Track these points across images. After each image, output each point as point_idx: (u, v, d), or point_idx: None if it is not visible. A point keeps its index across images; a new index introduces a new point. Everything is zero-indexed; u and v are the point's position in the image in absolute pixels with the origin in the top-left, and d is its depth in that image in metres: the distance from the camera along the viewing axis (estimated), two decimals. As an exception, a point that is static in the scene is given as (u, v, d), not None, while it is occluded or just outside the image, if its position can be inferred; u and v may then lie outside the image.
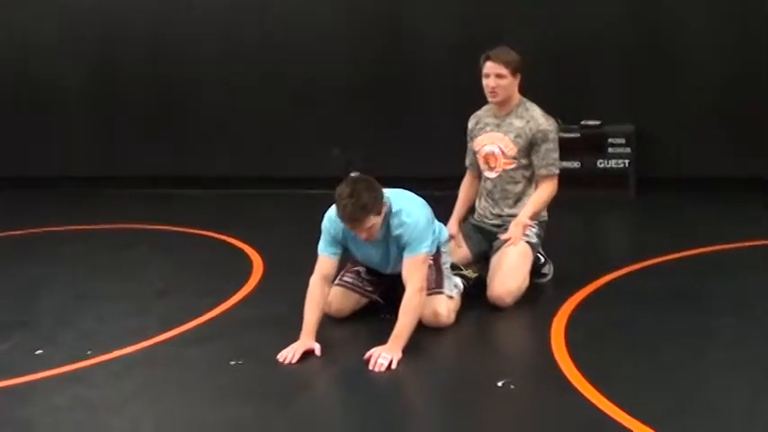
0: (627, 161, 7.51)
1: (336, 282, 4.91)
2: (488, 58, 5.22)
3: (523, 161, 5.29)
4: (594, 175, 7.56)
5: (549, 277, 5.49)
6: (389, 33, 8.17)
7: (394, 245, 4.65)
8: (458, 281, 4.98)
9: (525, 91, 7.71)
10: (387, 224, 4.58)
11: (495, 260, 5.18)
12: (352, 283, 4.97)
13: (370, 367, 4.31)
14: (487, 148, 5.37)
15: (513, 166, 5.31)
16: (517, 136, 5.26)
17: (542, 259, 5.47)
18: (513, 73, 5.24)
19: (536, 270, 5.41)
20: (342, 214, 4.44)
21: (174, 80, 8.69)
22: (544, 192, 5.25)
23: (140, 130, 8.85)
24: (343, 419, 4.04)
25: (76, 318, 5.28)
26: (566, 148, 7.44)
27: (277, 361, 4.43)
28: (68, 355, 4.65)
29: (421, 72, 8.13)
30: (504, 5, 7.84)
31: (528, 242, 5.20)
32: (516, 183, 5.33)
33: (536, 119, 5.26)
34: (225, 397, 4.17)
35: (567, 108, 7.67)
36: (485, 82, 5.25)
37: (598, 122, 7.61)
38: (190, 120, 8.71)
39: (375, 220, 4.46)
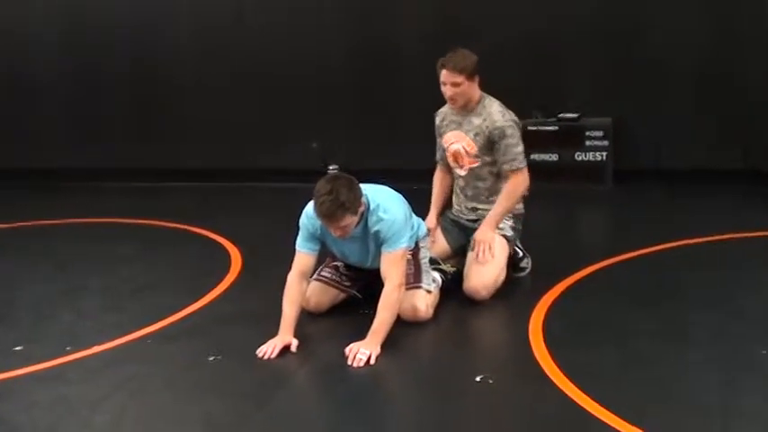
0: (604, 154, 7.54)
1: (314, 277, 4.92)
2: (443, 66, 5.14)
3: (487, 158, 5.25)
4: (572, 167, 7.59)
5: (528, 271, 5.50)
6: (368, 26, 8.16)
7: (372, 241, 4.66)
8: (436, 275, 4.99)
9: (504, 83, 7.78)
10: (365, 221, 4.59)
11: (471, 254, 5.19)
12: (330, 278, 4.98)
13: (349, 362, 4.32)
14: (454, 147, 5.36)
15: (477, 164, 5.28)
16: (476, 134, 5.22)
17: (520, 253, 5.47)
18: (470, 77, 5.15)
19: (514, 264, 5.42)
20: (318, 210, 4.44)
21: (151, 72, 8.65)
22: (512, 187, 5.19)
23: (116, 123, 8.81)
24: (322, 415, 4.05)
25: (55, 313, 5.26)
26: (544, 141, 7.60)
27: (256, 356, 4.44)
28: (47, 352, 4.64)
29: (399, 65, 8.11)
30: (482, -2, 7.85)
31: (503, 235, 5.21)
32: (484, 180, 5.31)
33: (492, 116, 5.18)
34: (204, 393, 4.18)
35: (545, 101, 7.73)
36: (442, 89, 5.21)
37: (576, 115, 7.64)
38: (166, 112, 8.67)
39: (351, 219, 4.47)
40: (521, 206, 5.38)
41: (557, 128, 7.62)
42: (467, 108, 5.27)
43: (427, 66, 7.97)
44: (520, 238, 5.47)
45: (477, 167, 5.29)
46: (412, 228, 4.75)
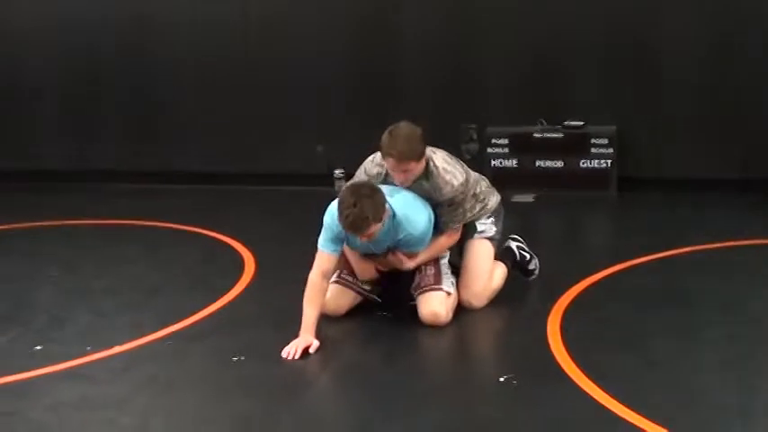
0: (609, 161, 7.61)
1: (334, 279, 4.96)
2: (389, 155, 4.72)
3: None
4: (577, 174, 7.65)
5: (537, 273, 5.51)
6: (375, 30, 8.19)
7: (395, 244, 4.77)
8: (454, 279, 5.04)
9: (510, 90, 7.86)
10: (392, 229, 4.68)
11: (462, 262, 5.13)
12: (351, 281, 5.02)
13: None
14: None
15: None
16: (427, 197, 4.90)
17: (527, 256, 5.49)
18: (419, 158, 4.76)
19: (522, 268, 5.47)
20: (344, 223, 4.52)
21: (157, 73, 8.66)
22: (445, 242, 4.98)
23: (122, 124, 8.81)
24: (349, 414, 4.09)
25: (72, 314, 5.27)
26: (549, 148, 7.69)
27: (279, 357, 4.48)
28: (68, 352, 4.66)
29: (405, 69, 8.16)
30: (487, 5, 7.89)
31: (487, 237, 5.14)
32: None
33: (440, 188, 4.84)
34: (230, 392, 4.22)
35: (551, 108, 7.80)
36: (390, 172, 4.83)
37: (581, 123, 7.71)
38: (173, 115, 8.68)
39: (376, 227, 4.55)
40: (495, 201, 5.22)
41: (562, 135, 7.69)
42: None
43: (429, 71, 8.11)
44: (526, 243, 5.53)
45: None
46: (432, 230, 4.85)
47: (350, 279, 5.03)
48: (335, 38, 8.24)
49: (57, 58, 8.80)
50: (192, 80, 8.58)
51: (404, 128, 4.77)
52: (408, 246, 4.76)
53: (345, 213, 4.47)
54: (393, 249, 4.84)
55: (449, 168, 4.87)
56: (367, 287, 5.05)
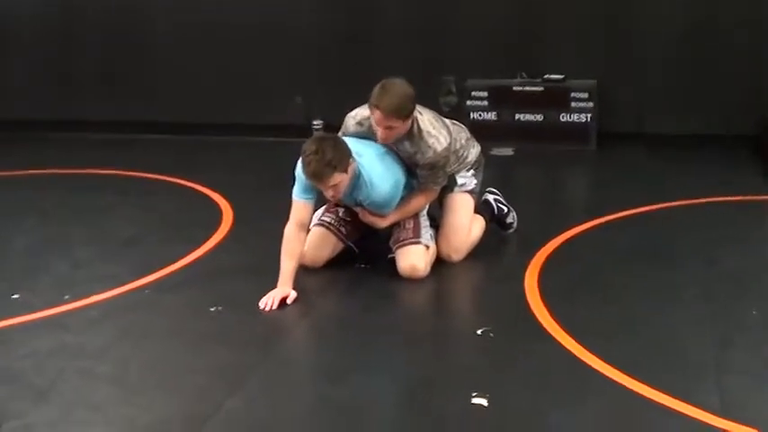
0: (589, 115, 7.59)
1: (315, 222, 4.95)
2: (376, 107, 4.61)
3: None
4: (557, 128, 7.63)
5: (515, 226, 5.51)
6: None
7: (359, 203, 4.81)
8: (433, 232, 5.03)
9: (491, 44, 7.79)
10: (357, 188, 4.67)
11: (442, 216, 5.14)
12: (330, 223, 4.98)
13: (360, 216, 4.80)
14: None
15: None
16: (408, 157, 4.85)
17: (505, 209, 5.48)
18: (406, 118, 4.68)
19: (500, 221, 5.47)
20: (306, 170, 4.48)
21: (133, 22, 8.56)
22: (423, 200, 4.95)
23: (98, 73, 8.72)
24: (324, 366, 4.08)
25: (49, 263, 5.23)
26: (529, 102, 7.67)
27: (256, 307, 4.47)
28: (45, 300, 4.64)
29: (384, 20, 8.10)
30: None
31: (467, 191, 5.14)
32: None
33: (423, 152, 4.75)
34: (208, 342, 4.21)
35: (531, 62, 7.78)
36: (374, 125, 4.72)
37: (561, 77, 7.68)
38: (151, 63, 8.61)
39: (340, 178, 4.49)
40: (475, 153, 5.19)
41: (542, 89, 7.66)
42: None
43: (408, 22, 8.05)
44: (504, 196, 5.52)
45: None
46: (405, 188, 4.83)
47: (331, 221, 4.99)
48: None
49: (28, 4, 8.66)
50: (168, 30, 8.49)
51: (397, 84, 4.64)
52: (373, 207, 4.76)
53: (307, 161, 4.44)
54: (362, 207, 4.82)
55: (433, 132, 4.77)
56: (344, 231, 5.00)
